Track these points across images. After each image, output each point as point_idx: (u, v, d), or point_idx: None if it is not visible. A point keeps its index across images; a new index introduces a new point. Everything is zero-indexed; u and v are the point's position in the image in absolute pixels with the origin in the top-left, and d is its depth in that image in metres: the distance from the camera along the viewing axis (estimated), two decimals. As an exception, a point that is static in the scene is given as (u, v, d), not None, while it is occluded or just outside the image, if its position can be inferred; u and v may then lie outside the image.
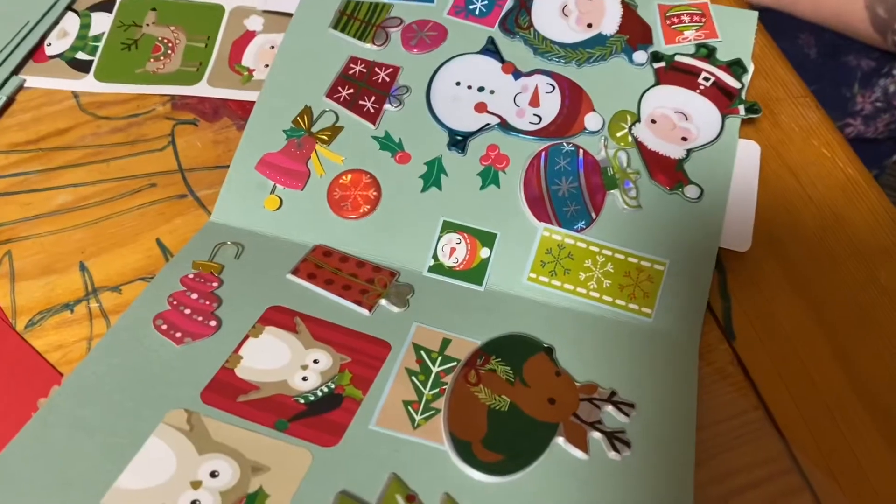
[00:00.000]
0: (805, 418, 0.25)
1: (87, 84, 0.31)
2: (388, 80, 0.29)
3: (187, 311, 0.24)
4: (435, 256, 0.27)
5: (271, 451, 0.20)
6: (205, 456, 0.20)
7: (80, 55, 0.32)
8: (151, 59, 0.32)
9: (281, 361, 0.23)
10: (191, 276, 0.25)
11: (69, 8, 0.33)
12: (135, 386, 0.22)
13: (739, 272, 0.27)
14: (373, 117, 0.29)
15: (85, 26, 0.32)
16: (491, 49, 0.30)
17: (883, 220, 0.29)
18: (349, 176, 0.28)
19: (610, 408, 0.23)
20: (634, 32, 0.30)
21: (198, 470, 0.20)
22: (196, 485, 0.19)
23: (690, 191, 0.27)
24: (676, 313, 0.26)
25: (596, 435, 0.22)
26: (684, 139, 0.28)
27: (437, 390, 0.23)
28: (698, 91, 0.28)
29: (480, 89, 0.29)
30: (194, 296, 0.24)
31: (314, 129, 0.29)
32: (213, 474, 0.20)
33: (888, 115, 0.52)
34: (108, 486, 0.19)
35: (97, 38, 0.32)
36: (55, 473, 0.20)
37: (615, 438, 0.22)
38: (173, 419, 0.21)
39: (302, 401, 0.22)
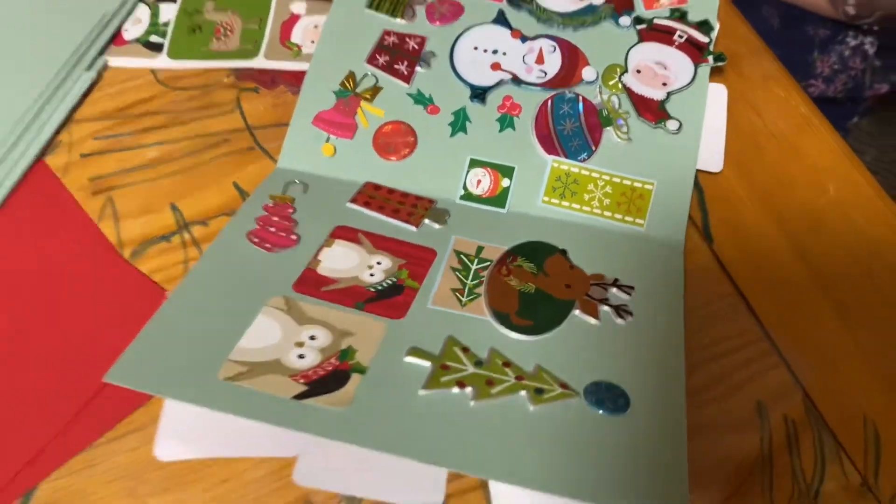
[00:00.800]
0: (772, 301, 0.31)
1: (162, 62, 0.37)
2: (416, 47, 0.35)
3: (272, 230, 0.30)
4: (465, 187, 0.32)
5: (354, 323, 0.26)
6: (303, 326, 0.26)
7: (154, 38, 0.38)
8: (214, 40, 0.37)
9: (351, 263, 0.29)
10: (270, 204, 0.31)
11: (140, 0, 0.39)
12: (238, 282, 0.28)
13: (714, 189, 0.33)
14: (406, 78, 0.35)
15: (154, 15, 0.38)
16: (501, 19, 0.36)
17: (832, 147, 0.35)
18: (390, 126, 0.34)
19: (614, 289, 0.29)
20: (619, 2, 0.36)
21: (299, 335, 0.25)
22: (300, 344, 0.25)
23: (671, 125, 0.33)
24: (664, 223, 0.31)
25: (605, 308, 0.28)
26: (664, 84, 0.34)
27: (476, 281, 0.29)
28: (674, 46, 0.35)
29: (494, 52, 0.35)
30: (275, 218, 0.30)
31: (358, 89, 0.35)
32: (312, 338, 0.25)
33: (844, 75, 0.58)
34: (232, 347, 0.25)
35: (166, 24, 0.38)
36: (186, 341, 0.25)
37: (620, 309, 0.28)
38: (274, 302, 0.27)
39: (372, 289, 0.28)
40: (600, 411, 0.24)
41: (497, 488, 0.24)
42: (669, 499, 0.22)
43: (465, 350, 0.26)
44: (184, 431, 0.25)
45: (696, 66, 0.34)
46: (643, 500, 0.22)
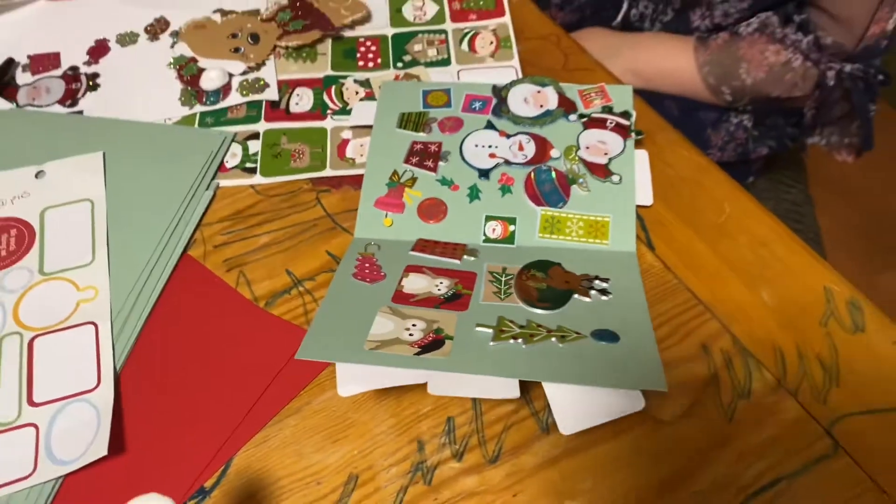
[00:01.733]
0: (699, 280, 0.46)
1: (257, 179, 0.52)
2: (436, 150, 0.52)
3: (367, 271, 0.44)
4: (485, 234, 0.48)
5: (437, 315, 0.41)
6: (405, 320, 0.40)
7: (248, 164, 0.53)
8: (292, 161, 0.53)
9: (424, 285, 0.43)
10: (360, 257, 0.46)
11: (233, 141, 0.55)
12: (357, 300, 0.42)
13: (649, 216, 0.49)
14: (433, 169, 0.51)
15: (245, 149, 0.54)
16: (490, 126, 0.53)
17: (723, 181, 0.52)
18: (427, 202, 0.50)
19: (597, 281, 0.44)
20: (567, 106, 0.53)
21: (405, 325, 0.40)
22: (407, 330, 0.39)
23: (615, 178, 0.49)
24: (621, 240, 0.47)
25: (593, 292, 0.43)
26: (606, 154, 0.51)
27: (507, 286, 0.44)
28: (608, 129, 0.52)
29: (489, 146, 0.52)
30: (367, 265, 0.45)
31: (402, 180, 0.50)
32: (414, 325, 0.40)
33: (733, 143, 0.77)
34: (367, 333, 0.39)
35: (255, 154, 0.54)
36: (337, 333, 0.39)
37: (603, 292, 0.43)
38: (383, 310, 0.41)
39: (442, 297, 0.42)
40: (602, 342, 0.39)
41: (550, 390, 0.38)
42: (656, 384, 0.37)
43: (511, 321, 0.40)
44: (351, 377, 0.39)
45: (625, 140, 0.51)
46: (641, 385, 0.37)
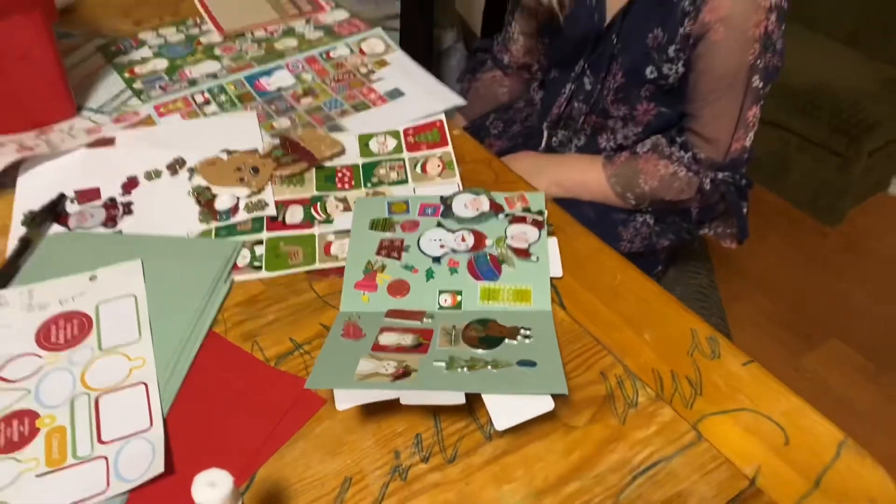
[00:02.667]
0: (600, 329, 0.63)
1: (263, 274, 0.68)
2: (400, 245, 0.68)
3: (351, 332, 0.60)
4: (439, 304, 0.64)
5: (405, 357, 0.56)
6: (382, 362, 0.55)
7: (255, 263, 0.69)
8: (289, 259, 0.69)
9: (394, 339, 0.59)
10: (346, 323, 0.61)
11: (242, 247, 0.71)
12: (346, 351, 0.57)
13: (560, 284, 0.66)
14: (398, 259, 0.67)
15: (252, 253, 0.70)
16: (439, 225, 0.70)
17: (613, 256, 0.69)
18: (395, 282, 0.66)
19: (522, 330, 0.60)
20: (497, 208, 0.71)
21: (382, 364, 0.55)
22: (384, 367, 0.54)
23: (534, 258, 0.66)
24: (540, 302, 0.64)
25: (519, 337, 0.59)
26: (526, 241, 0.68)
27: (456, 337, 0.59)
28: (528, 223, 0.69)
29: (440, 240, 0.69)
30: (351, 328, 0.60)
31: (374, 268, 0.67)
32: (388, 364, 0.55)
33: (639, 237, 0.96)
34: (355, 370, 0.54)
35: (261, 256, 0.70)
36: (333, 370, 0.54)
37: (526, 336, 0.59)
38: (365, 357, 0.56)
39: (408, 346, 0.58)
40: (524, 367, 0.55)
41: (487, 399, 0.53)
42: (560, 389, 0.52)
43: (459, 358, 0.56)
44: (345, 397, 0.53)
45: (540, 231, 0.69)
46: (549, 390, 0.52)
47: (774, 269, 1.89)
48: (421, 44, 1.39)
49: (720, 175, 0.90)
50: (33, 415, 0.56)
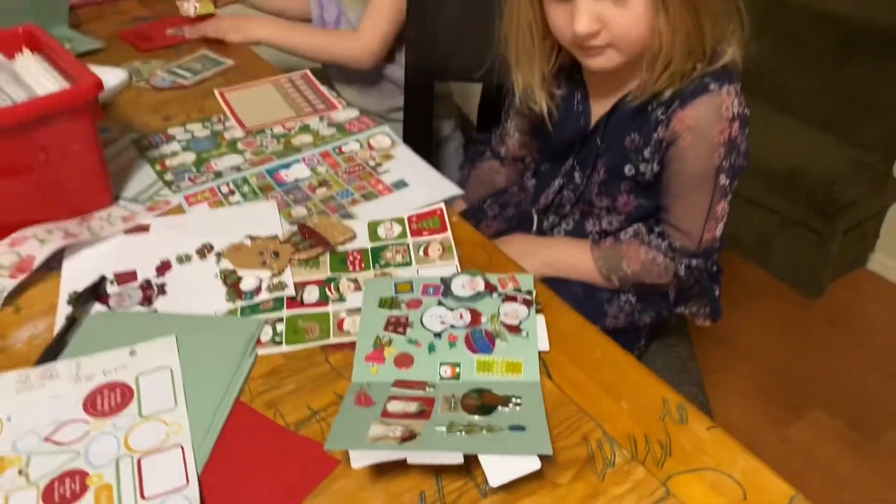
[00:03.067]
0: (583, 398, 0.71)
1: (284, 348, 0.77)
2: (405, 321, 0.77)
3: (363, 400, 0.68)
4: (440, 375, 0.72)
5: (410, 423, 0.64)
6: (391, 427, 0.63)
7: (276, 338, 0.78)
8: (306, 334, 0.78)
9: (400, 407, 0.67)
10: (358, 392, 0.69)
11: (265, 324, 0.80)
12: (358, 418, 0.65)
13: (548, 357, 0.75)
14: (403, 334, 0.76)
15: (274, 329, 0.79)
16: (440, 304, 0.79)
17: (595, 332, 0.78)
18: (400, 355, 0.74)
19: (513, 398, 0.68)
20: (491, 288, 0.80)
21: (391, 429, 0.63)
22: (392, 431, 0.63)
23: (524, 334, 0.75)
24: (529, 373, 0.72)
25: (510, 404, 0.67)
26: (517, 318, 0.77)
27: (455, 405, 0.67)
28: (518, 302, 0.78)
29: (440, 317, 0.77)
30: (362, 396, 0.69)
31: (382, 342, 0.75)
32: (396, 429, 0.63)
33: (623, 313, 1.05)
34: (367, 433, 0.62)
35: (281, 332, 0.78)
36: (349, 433, 0.62)
37: (517, 404, 0.67)
38: (375, 422, 0.64)
39: (413, 413, 0.66)
40: (514, 431, 0.63)
41: (483, 459, 0.61)
42: (545, 449, 0.60)
43: (458, 423, 0.64)
44: (360, 456, 0.61)
45: (529, 309, 0.78)
46: (536, 451, 0.60)
47: (760, 341, 1.97)
48: (422, 133, 1.52)
49: (694, 262, 0.99)
50: (83, 474, 0.64)
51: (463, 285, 0.81)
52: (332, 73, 1.57)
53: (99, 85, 0.89)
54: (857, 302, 2.09)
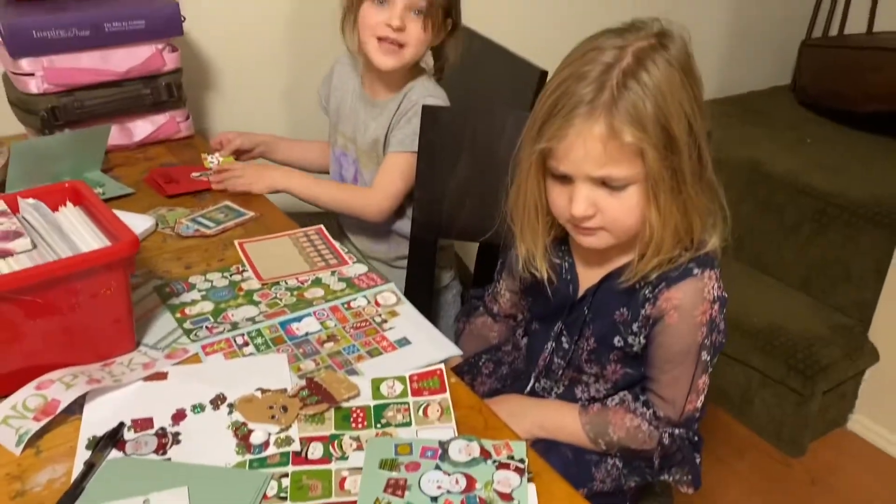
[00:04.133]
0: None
1: (288, 505, 0.81)
2: (403, 484, 0.82)
3: None
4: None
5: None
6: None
7: (282, 494, 0.82)
8: (310, 491, 0.83)
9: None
10: None
11: (271, 479, 0.85)
12: None
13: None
14: (402, 497, 0.81)
15: (279, 485, 0.84)
16: (437, 468, 0.84)
17: (580, 501, 0.83)
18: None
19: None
20: (486, 454, 0.86)
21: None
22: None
23: (515, 502, 0.80)
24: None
25: None
26: (510, 486, 0.82)
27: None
28: (511, 469, 0.84)
29: (437, 481, 0.83)
30: None
31: (381, 503, 0.80)
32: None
33: (610, 478, 1.09)
34: None
35: (286, 488, 0.83)
36: None
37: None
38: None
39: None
40: None
41: None
42: None
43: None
44: None
45: (521, 477, 0.83)
46: None
47: (743, 500, 1.99)
48: (424, 281, 1.61)
49: (677, 431, 1.06)
50: None
51: (460, 450, 0.87)
52: (344, 221, 1.68)
53: (135, 243, 0.98)
54: (839, 462, 2.12)
